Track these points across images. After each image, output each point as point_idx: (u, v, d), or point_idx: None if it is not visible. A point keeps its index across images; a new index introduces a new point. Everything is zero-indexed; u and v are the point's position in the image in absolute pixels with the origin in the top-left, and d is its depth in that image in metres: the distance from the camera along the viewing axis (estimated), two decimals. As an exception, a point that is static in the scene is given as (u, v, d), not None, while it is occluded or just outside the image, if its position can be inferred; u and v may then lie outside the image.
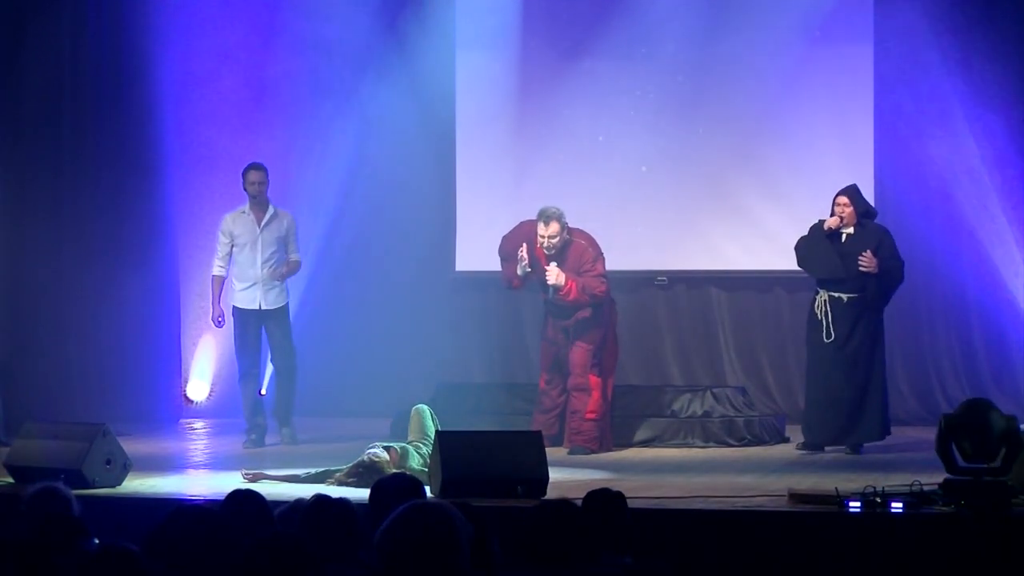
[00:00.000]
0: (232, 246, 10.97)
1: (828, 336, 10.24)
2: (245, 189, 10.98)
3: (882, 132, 12.60)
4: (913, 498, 7.31)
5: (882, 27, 12.59)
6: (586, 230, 10.82)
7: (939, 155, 12.51)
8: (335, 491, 7.85)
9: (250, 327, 10.98)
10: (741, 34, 12.78)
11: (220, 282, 11.07)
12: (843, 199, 10.36)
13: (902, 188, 12.62)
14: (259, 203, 10.94)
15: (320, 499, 5.02)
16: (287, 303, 11.07)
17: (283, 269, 10.93)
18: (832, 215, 10.37)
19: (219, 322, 11.12)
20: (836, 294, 10.27)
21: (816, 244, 10.39)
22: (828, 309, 10.26)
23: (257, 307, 10.93)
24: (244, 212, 10.99)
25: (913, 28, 12.49)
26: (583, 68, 13.00)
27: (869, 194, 12.36)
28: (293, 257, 11.06)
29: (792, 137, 12.70)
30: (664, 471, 9.44)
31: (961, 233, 12.52)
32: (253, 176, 10.92)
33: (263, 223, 10.93)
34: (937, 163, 12.53)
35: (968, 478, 7.36)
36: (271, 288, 10.96)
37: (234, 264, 10.98)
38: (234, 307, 11.00)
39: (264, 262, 10.92)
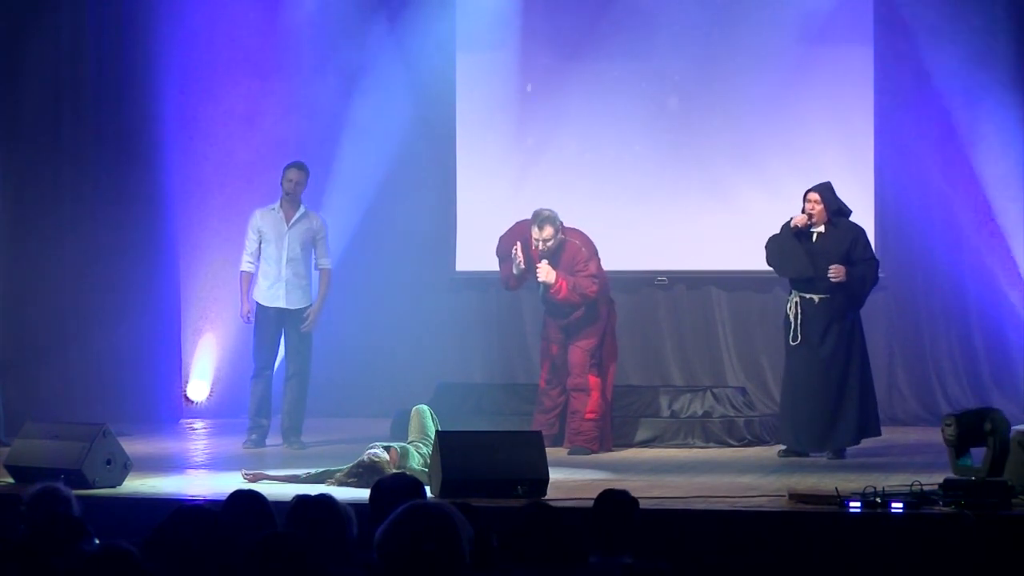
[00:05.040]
0: (260, 242, 10.97)
1: (794, 339, 10.06)
2: (281, 184, 10.97)
3: (882, 132, 12.60)
4: (913, 498, 7.31)
5: (882, 27, 12.60)
6: (584, 230, 10.81)
7: (939, 156, 12.51)
8: (335, 491, 7.85)
9: (270, 325, 10.95)
10: (741, 34, 12.79)
11: (248, 278, 11.04)
12: (814, 195, 10.09)
13: (902, 188, 12.62)
14: (291, 201, 10.93)
15: (301, 499, 5.02)
16: (311, 304, 11.04)
17: (310, 324, 10.95)
18: (802, 211, 10.17)
19: (248, 318, 11.08)
20: (808, 295, 10.05)
21: (785, 243, 10.17)
22: (799, 311, 10.07)
23: (279, 305, 10.92)
24: (274, 209, 10.99)
25: (913, 28, 12.50)
26: (583, 69, 13.00)
27: (869, 194, 12.41)
28: (322, 263, 11.03)
29: (792, 137, 12.71)
30: (664, 471, 9.44)
31: (961, 233, 12.52)
32: (292, 175, 10.92)
33: (291, 222, 10.92)
34: (937, 164, 12.53)
35: (968, 478, 7.37)
36: (295, 287, 10.94)
37: (261, 260, 10.98)
38: (256, 303, 10.99)
39: (289, 261, 10.91)
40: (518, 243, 10.65)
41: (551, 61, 13.10)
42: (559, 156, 13.05)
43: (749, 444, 10.98)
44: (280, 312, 10.93)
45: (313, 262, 11.06)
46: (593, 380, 10.66)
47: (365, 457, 8.51)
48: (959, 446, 7.86)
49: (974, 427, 7.77)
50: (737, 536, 7.26)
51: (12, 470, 8.44)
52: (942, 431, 7.94)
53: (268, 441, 10.85)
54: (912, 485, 7.49)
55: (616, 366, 11.03)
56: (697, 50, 12.86)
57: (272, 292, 10.95)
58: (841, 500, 7.35)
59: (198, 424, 12.62)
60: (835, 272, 9.96)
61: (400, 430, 9.93)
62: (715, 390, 11.45)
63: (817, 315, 10.06)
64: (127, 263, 12.48)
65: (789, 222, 10.18)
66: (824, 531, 7.19)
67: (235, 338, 12.82)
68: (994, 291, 12.47)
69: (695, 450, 10.82)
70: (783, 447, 10.27)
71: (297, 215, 10.95)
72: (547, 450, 8.30)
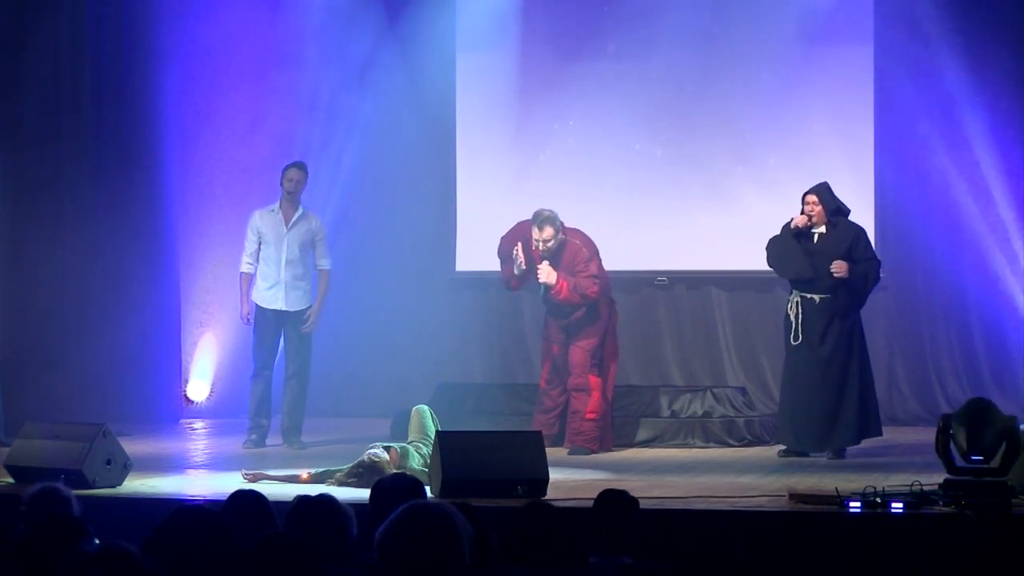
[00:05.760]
0: (259, 243, 10.97)
1: (795, 338, 10.06)
2: (281, 184, 10.96)
3: (882, 132, 12.61)
4: (913, 498, 7.31)
5: (882, 27, 12.60)
6: (584, 230, 10.82)
7: (939, 155, 12.52)
8: (335, 491, 7.85)
9: (269, 326, 10.95)
10: (741, 34, 12.79)
11: (248, 279, 11.04)
12: (811, 197, 10.11)
13: (902, 188, 12.62)
14: (291, 202, 10.92)
15: (302, 499, 5.01)
16: (310, 306, 11.01)
17: (310, 325, 10.95)
18: (801, 213, 10.17)
19: (248, 320, 11.08)
20: (808, 295, 10.05)
21: (785, 244, 10.18)
22: (800, 311, 10.07)
23: (278, 308, 10.91)
24: (273, 210, 10.99)
25: (913, 28, 12.50)
26: (583, 69, 13.01)
27: (869, 194, 12.41)
28: (321, 264, 11.02)
29: (792, 137, 12.71)
30: (664, 471, 9.44)
31: (961, 233, 12.53)
32: (293, 174, 10.91)
33: (291, 223, 10.92)
34: (937, 163, 12.54)
35: (968, 478, 7.36)
36: (294, 289, 10.94)
37: (260, 262, 10.98)
38: (256, 304, 10.99)
39: (288, 263, 10.91)
40: (519, 243, 10.65)
41: (551, 61, 13.10)
42: (559, 156, 13.05)
43: (749, 444, 10.98)
44: (279, 314, 10.93)
45: (312, 263, 11.06)
46: (594, 380, 10.66)
47: (365, 457, 8.51)
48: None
49: (982, 433, 7.71)
50: (737, 536, 7.25)
51: (12, 470, 8.44)
52: (944, 436, 7.84)
53: (268, 441, 10.85)
54: (912, 485, 7.49)
55: (617, 366, 11.03)
56: (697, 50, 12.86)
57: (271, 294, 10.94)
58: (841, 500, 7.35)
59: (198, 424, 12.62)
60: (837, 268, 9.97)
61: (400, 430, 9.93)
62: (715, 390, 11.45)
63: (818, 315, 10.06)
64: (127, 263, 12.48)
65: (789, 223, 10.19)
66: (824, 531, 7.19)
67: (235, 338, 12.82)
68: (994, 291, 12.47)
69: (695, 450, 10.82)
70: (783, 447, 10.27)
71: (296, 216, 10.94)
72: (547, 450, 8.30)
